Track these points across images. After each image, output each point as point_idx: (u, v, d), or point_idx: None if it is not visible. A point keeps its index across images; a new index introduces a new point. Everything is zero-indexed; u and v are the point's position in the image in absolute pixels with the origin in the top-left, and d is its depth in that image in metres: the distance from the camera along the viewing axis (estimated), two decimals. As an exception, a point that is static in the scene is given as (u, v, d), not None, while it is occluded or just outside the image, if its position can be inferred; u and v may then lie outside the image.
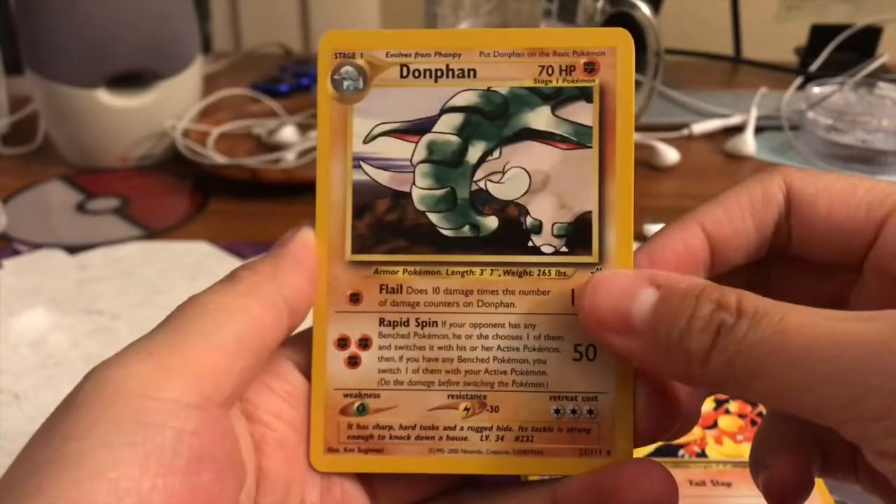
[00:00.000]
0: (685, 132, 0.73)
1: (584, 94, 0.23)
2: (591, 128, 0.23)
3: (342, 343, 0.23)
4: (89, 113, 0.66)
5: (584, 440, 0.22)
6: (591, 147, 0.23)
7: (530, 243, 0.23)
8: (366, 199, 0.23)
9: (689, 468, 0.34)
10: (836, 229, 0.22)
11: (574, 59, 0.23)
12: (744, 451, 0.35)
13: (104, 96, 0.65)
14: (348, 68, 0.23)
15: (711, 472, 0.34)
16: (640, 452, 0.34)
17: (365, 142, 0.23)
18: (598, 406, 0.22)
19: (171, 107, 0.68)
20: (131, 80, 0.65)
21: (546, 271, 0.23)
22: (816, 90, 0.72)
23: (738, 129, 0.73)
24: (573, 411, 0.22)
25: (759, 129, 0.73)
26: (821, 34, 0.85)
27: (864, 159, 0.68)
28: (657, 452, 0.35)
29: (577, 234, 0.23)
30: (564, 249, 0.23)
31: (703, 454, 0.35)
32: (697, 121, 0.74)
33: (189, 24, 0.69)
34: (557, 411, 0.23)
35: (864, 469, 0.24)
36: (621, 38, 0.23)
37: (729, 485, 0.34)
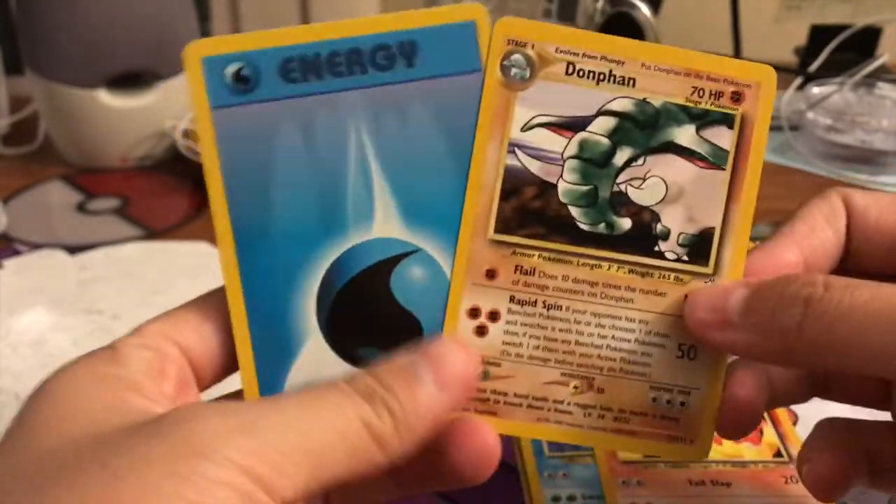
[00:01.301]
0: (685, 132, 0.72)
1: (727, 121, 0.24)
2: (728, 152, 0.25)
3: (474, 313, 0.25)
4: (89, 113, 0.66)
5: (672, 427, 0.25)
6: (724, 169, 0.25)
7: (657, 248, 0.25)
8: (515, 183, 0.24)
9: (688, 468, 0.34)
10: (887, 234, 0.24)
11: (724, 87, 0.24)
12: (744, 451, 0.35)
13: (104, 96, 0.65)
14: (518, 56, 0.24)
15: (711, 472, 0.34)
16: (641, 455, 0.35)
17: (522, 130, 0.24)
18: (690, 400, 0.25)
19: (171, 107, 0.68)
20: (131, 80, 0.65)
21: (666, 275, 0.25)
22: (816, 90, 0.72)
23: (738, 130, 0.73)
24: (668, 402, 0.25)
25: (758, 130, 0.73)
26: (820, 34, 0.85)
27: (864, 159, 0.68)
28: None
29: (699, 246, 0.25)
30: (686, 258, 0.25)
31: (702, 454, 0.35)
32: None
33: (189, 24, 0.69)
34: (654, 399, 0.25)
35: None
36: (768, 76, 0.24)
37: (729, 485, 0.34)
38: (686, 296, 0.24)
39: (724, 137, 0.24)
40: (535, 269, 0.24)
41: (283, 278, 0.24)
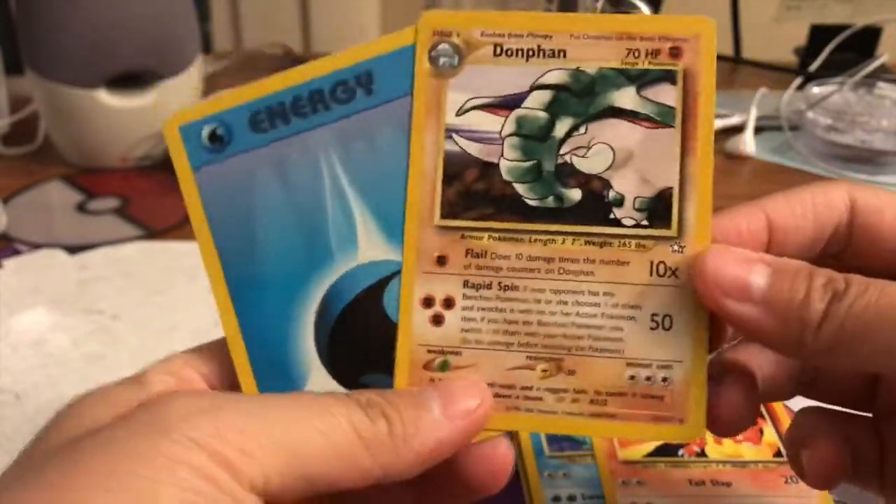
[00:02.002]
0: (685, 132, 0.73)
1: (669, 77, 0.24)
2: (674, 108, 0.24)
3: (428, 302, 0.24)
4: (89, 113, 0.66)
5: (657, 407, 0.23)
6: (673, 126, 0.24)
7: (612, 215, 0.24)
8: (456, 168, 0.24)
9: (688, 468, 0.34)
10: None
11: (660, 44, 0.24)
12: (743, 450, 0.35)
13: (104, 96, 0.65)
14: (445, 46, 0.24)
15: (711, 471, 0.34)
16: (641, 451, 0.35)
17: (457, 114, 0.24)
18: (673, 374, 0.23)
19: (171, 107, 0.68)
20: (131, 80, 0.65)
21: (626, 243, 0.24)
22: (816, 90, 0.72)
23: (738, 129, 0.73)
24: (647, 378, 0.23)
25: (758, 130, 0.73)
26: (820, 34, 0.85)
27: (864, 159, 0.68)
28: (658, 451, 0.35)
29: (658, 209, 0.24)
30: (645, 223, 0.24)
31: (702, 454, 0.35)
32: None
33: (189, 24, 0.69)
34: (632, 377, 0.23)
35: (893, 479, 0.25)
36: (705, 26, 0.24)
37: (729, 484, 0.34)
38: (652, 262, 0.23)
39: (668, 94, 0.24)
40: (486, 251, 0.24)
41: (280, 320, 0.24)
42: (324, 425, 0.20)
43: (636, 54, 0.24)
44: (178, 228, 0.58)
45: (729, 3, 0.93)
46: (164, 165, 0.68)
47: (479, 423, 0.22)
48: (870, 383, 0.27)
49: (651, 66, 0.24)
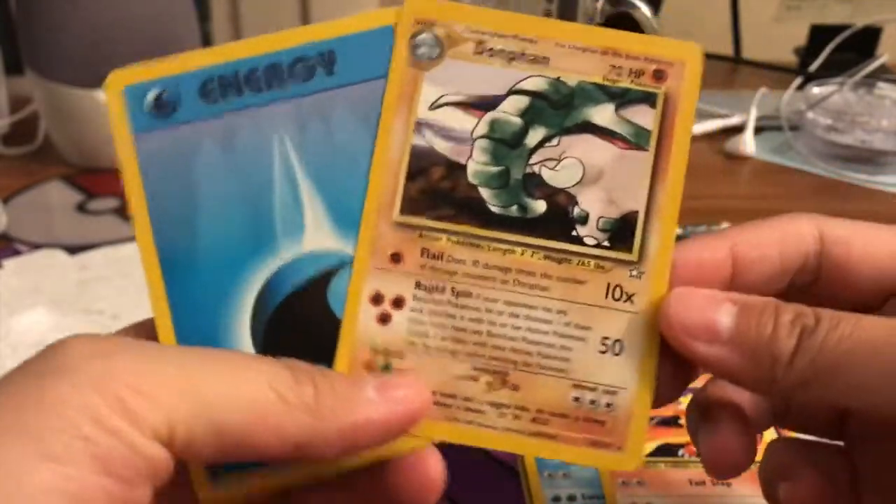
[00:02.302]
0: (685, 132, 0.73)
1: (649, 99, 0.23)
2: (650, 131, 0.23)
3: (377, 299, 0.23)
4: (89, 113, 0.66)
5: (597, 432, 0.23)
6: (647, 150, 0.23)
7: (574, 232, 0.23)
8: (422, 163, 0.23)
9: (688, 468, 0.34)
10: (870, 265, 0.23)
11: (645, 65, 0.23)
12: (743, 450, 0.35)
13: (104, 96, 0.65)
14: (426, 35, 0.23)
15: (711, 471, 0.34)
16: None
17: (430, 108, 0.23)
18: (617, 400, 0.23)
19: (171, 107, 0.68)
20: (131, 80, 0.65)
21: (585, 262, 0.23)
22: (816, 90, 0.72)
23: (738, 130, 0.73)
24: (592, 402, 0.23)
25: (758, 130, 0.73)
26: (820, 34, 0.85)
27: (864, 159, 0.68)
28: (658, 451, 0.35)
29: (621, 231, 0.23)
30: (606, 244, 0.23)
31: (702, 454, 0.35)
32: (697, 121, 0.74)
33: (189, 24, 0.69)
34: (576, 399, 0.23)
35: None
36: (692, 54, 0.23)
37: (729, 485, 0.34)
38: (609, 284, 0.23)
39: (646, 116, 0.23)
40: (442, 254, 0.23)
41: (213, 304, 0.23)
42: (240, 378, 0.19)
43: (619, 72, 0.23)
44: (178, 228, 0.58)
45: (729, 3, 0.93)
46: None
47: (412, 414, 0.21)
48: (840, 412, 0.27)
49: (632, 86, 0.23)
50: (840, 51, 0.82)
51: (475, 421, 0.23)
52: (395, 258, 0.23)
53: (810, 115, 0.70)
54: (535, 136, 0.23)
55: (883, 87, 0.74)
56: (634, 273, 0.23)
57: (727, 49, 0.94)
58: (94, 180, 0.66)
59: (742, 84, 0.87)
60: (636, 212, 0.23)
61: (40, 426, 0.17)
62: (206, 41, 0.95)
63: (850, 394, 0.20)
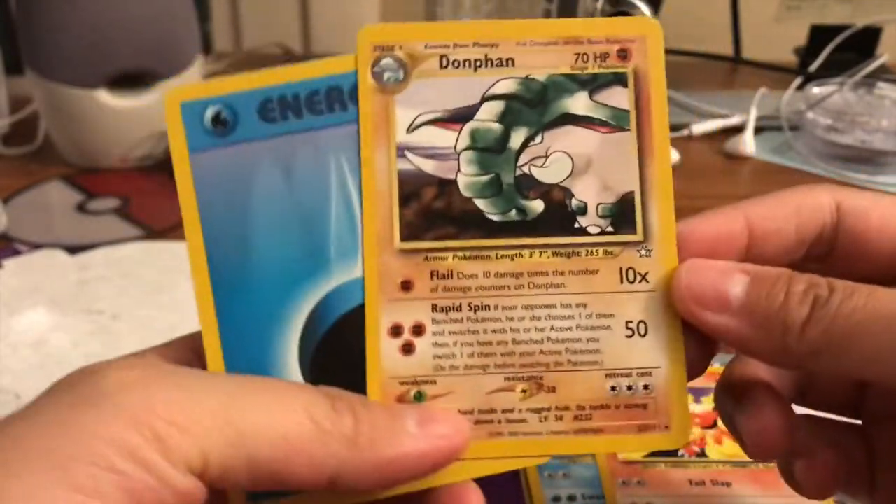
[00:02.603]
0: (685, 132, 0.73)
1: (620, 80, 0.23)
2: (628, 111, 0.24)
3: (396, 331, 0.23)
4: (89, 113, 0.66)
5: (642, 416, 0.23)
6: (629, 130, 0.24)
7: (577, 224, 0.23)
8: (412, 187, 0.23)
9: (688, 468, 0.34)
10: (889, 236, 0.23)
11: (608, 47, 0.24)
12: (743, 450, 0.35)
13: (104, 96, 0.65)
14: (388, 60, 0.23)
15: (711, 471, 0.34)
16: (641, 455, 0.35)
17: (408, 131, 0.23)
18: (653, 381, 0.23)
19: (171, 107, 0.68)
20: (131, 80, 0.65)
21: (594, 251, 0.23)
22: (816, 90, 0.72)
23: (738, 130, 0.73)
24: (629, 387, 0.23)
25: (758, 130, 0.73)
26: (820, 34, 0.85)
27: (864, 159, 0.68)
28: (657, 451, 0.35)
29: (622, 214, 0.23)
30: (610, 229, 0.23)
31: (702, 454, 0.35)
32: (697, 121, 0.74)
33: (189, 24, 0.69)
34: (613, 388, 0.23)
35: (883, 487, 0.25)
36: (651, 27, 0.24)
37: (729, 484, 0.34)
38: (621, 269, 0.23)
39: (620, 97, 0.23)
40: (452, 272, 0.23)
41: (263, 326, 0.23)
42: (277, 407, 0.19)
43: (585, 59, 0.23)
44: (178, 228, 0.58)
45: (729, 3, 0.93)
46: (164, 165, 0.68)
47: (454, 449, 0.21)
48: (858, 389, 0.27)
49: (601, 70, 0.23)
50: (840, 51, 0.82)
51: (519, 431, 0.23)
52: (406, 286, 0.23)
53: (810, 115, 0.70)
54: (517, 137, 0.23)
55: (883, 87, 0.74)
56: (643, 252, 0.23)
57: (727, 49, 0.94)
58: (94, 180, 0.66)
59: (742, 84, 0.87)
60: (632, 192, 0.23)
61: (69, 456, 0.17)
62: (206, 41, 0.96)
63: (863, 364, 0.20)
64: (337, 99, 0.23)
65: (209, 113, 0.23)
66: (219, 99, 0.23)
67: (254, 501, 0.22)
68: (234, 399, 0.19)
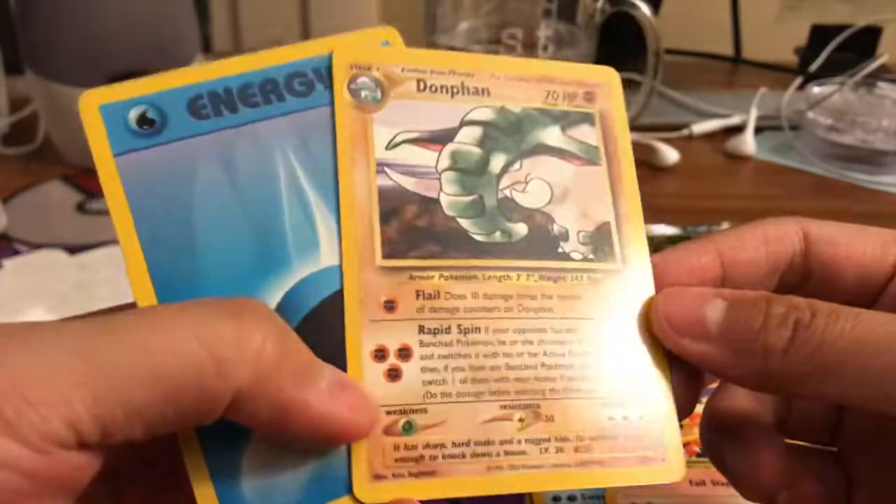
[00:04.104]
0: (685, 132, 0.73)
1: (588, 119, 0.25)
2: (597, 147, 0.24)
3: (380, 354, 0.21)
4: (89, 113, 0.65)
5: (640, 447, 0.22)
6: (600, 165, 0.24)
7: (560, 249, 0.23)
8: (393, 203, 0.22)
9: (688, 468, 0.34)
10: (856, 263, 0.23)
11: (575, 88, 0.25)
12: (744, 451, 0.35)
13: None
14: (365, 79, 0.23)
15: (711, 471, 0.34)
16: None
17: (388, 148, 0.23)
18: (646, 411, 0.22)
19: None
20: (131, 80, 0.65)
21: (578, 276, 0.23)
22: (816, 90, 0.72)
23: (738, 129, 0.73)
24: (624, 417, 0.22)
25: (759, 129, 0.73)
26: (821, 34, 0.85)
27: (864, 159, 0.68)
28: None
29: (601, 242, 0.24)
30: (591, 256, 0.23)
31: (702, 454, 0.35)
32: (697, 121, 0.74)
33: (189, 24, 0.69)
34: (610, 418, 0.22)
35: None
36: (611, 76, 0.25)
37: (729, 485, 0.34)
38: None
39: (589, 134, 0.24)
40: (438, 292, 0.22)
41: None
42: (151, 337, 0.16)
43: (555, 96, 0.24)
44: (178, 228, 0.58)
45: (729, 3, 0.93)
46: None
47: (355, 424, 0.19)
48: (836, 415, 0.26)
49: (570, 108, 0.24)
50: (840, 51, 0.82)
51: (520, 465, 0.21)
52: (389, 306, 0.21)
53: (811, 115, 0.70)
54: (496, 162, 0.24)
55: (883, 87, 0.74)
56: (623, 281, 0.23)
57: (727, 49, 0.94)
58: (94, 180, 0.66)
59: (742, 84, 0.87)
60: (608, 222, 0.24)
61: None
62: (206, 41, 0.95)
63: (851, 389, 0.20)
64: (272, 90, 0.22)
65: (133, 114, 0.22)
66: (142, 99, 0.22)
67: (213, 455, 0.20)
68: (93, 344, 0.16)
